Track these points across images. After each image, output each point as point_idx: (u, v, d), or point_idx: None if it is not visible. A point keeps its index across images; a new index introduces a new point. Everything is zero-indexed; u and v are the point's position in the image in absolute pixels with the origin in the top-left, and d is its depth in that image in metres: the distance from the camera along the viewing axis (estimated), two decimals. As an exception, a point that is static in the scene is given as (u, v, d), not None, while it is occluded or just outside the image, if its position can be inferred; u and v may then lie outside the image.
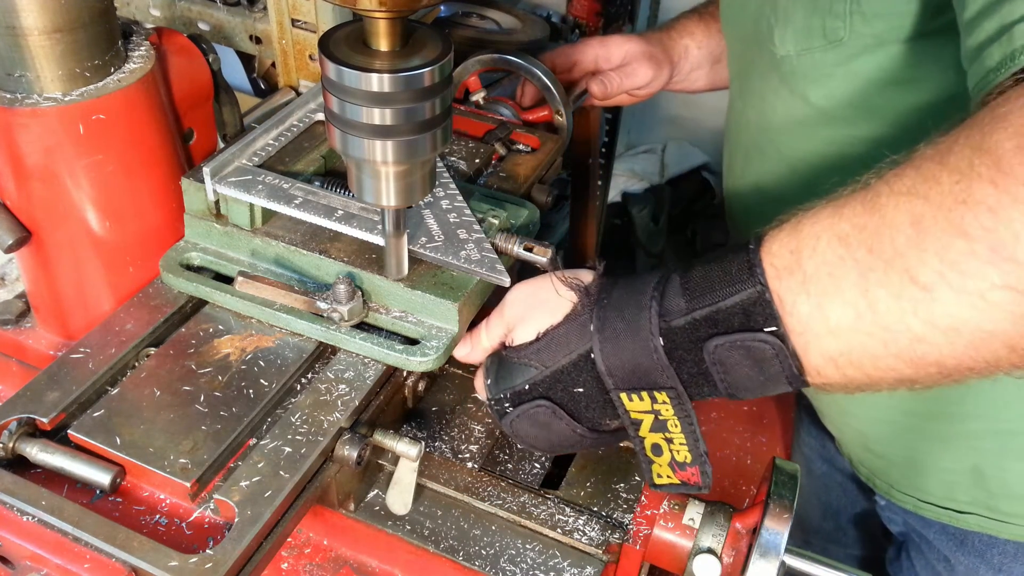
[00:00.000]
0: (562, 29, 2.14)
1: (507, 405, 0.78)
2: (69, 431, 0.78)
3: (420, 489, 0.91)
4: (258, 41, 1.25)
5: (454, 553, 0.86)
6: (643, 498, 0.91)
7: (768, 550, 0.79)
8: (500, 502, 0.90)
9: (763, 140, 1.07)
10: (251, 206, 0.90)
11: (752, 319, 0.65)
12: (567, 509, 0.90)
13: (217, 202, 0.92)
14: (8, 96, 0.84)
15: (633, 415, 0.72)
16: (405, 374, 0.92)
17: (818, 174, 0.99)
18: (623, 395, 0.72)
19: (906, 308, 0.58)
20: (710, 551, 0.84)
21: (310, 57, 1.19)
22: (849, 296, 0.60)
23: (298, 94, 1.22)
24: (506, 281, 0.86)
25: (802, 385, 0.66)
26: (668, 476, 0.75)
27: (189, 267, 0.94)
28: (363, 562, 0.89)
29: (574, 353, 0.74)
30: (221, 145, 1.14)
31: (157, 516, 0.76)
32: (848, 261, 0.60)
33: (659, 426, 0.72)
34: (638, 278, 0.73)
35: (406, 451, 0.83)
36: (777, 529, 0.79)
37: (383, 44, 0.68)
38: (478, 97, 1.28)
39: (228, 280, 0.91)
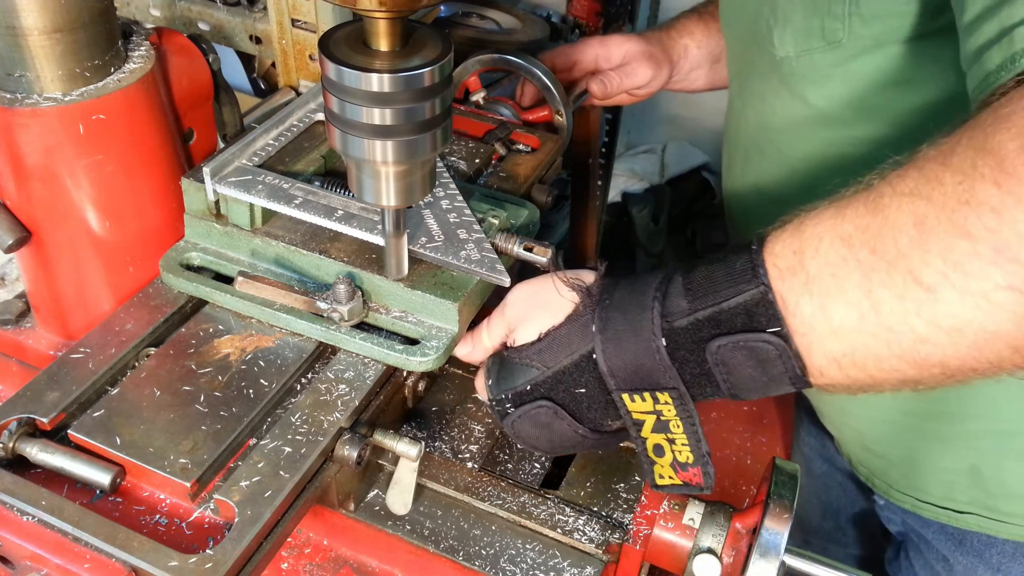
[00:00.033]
0: (562, 29, 2.14)
1: (508, 406, 0.78)
2: (69, 431, 0.78)
3: (420, 489, 0.91)
4: (258, 41, 1.25)
5: (454, 553, 0.86)
6: (643, 498, 0.91)
7: (768, 550, 0.79)
8: (500, 502, 0.90)
9: (763, 140, 1.07)
10: (251, 206, 0.90)
11: (755, 319, 0.65)
12: (567, 509, 0.90)
13: (217, 202, 0.92)
14: (8, 96, 0.84)
15: (635, 416, 0.72)
16: (405, 374, 0.92)
17: (818, 174, 0.99)
18: (625, 396, 0.72)
19: (909, 309, 0.58)
20: (710, 551, 0.84)
21: (310, 57, 1.19)
22: (852, 297, 0.60)
23: (298, 94, 1.22)
24: (506, 281, 0.86)
25: (805, 386, 0.66)
26: (670, 477, 0.74)
27: (189, 267, 0.94)
28: (363, 562, 0.89)
29: (576, 353, 0.74)
30: (221, 145, 1.14)
31: (157, 516, 0.76)
32: (851, 262, 0.60)
33: (661, 427, 0.72)
34: (640, 279, 0.73)
35: (406, 451, 0.83)
36: (777, 529, 0.79)
37: (383, 44, 0.68)
38: (478, 97, 1.28)
39: (228, 280, 0.91)
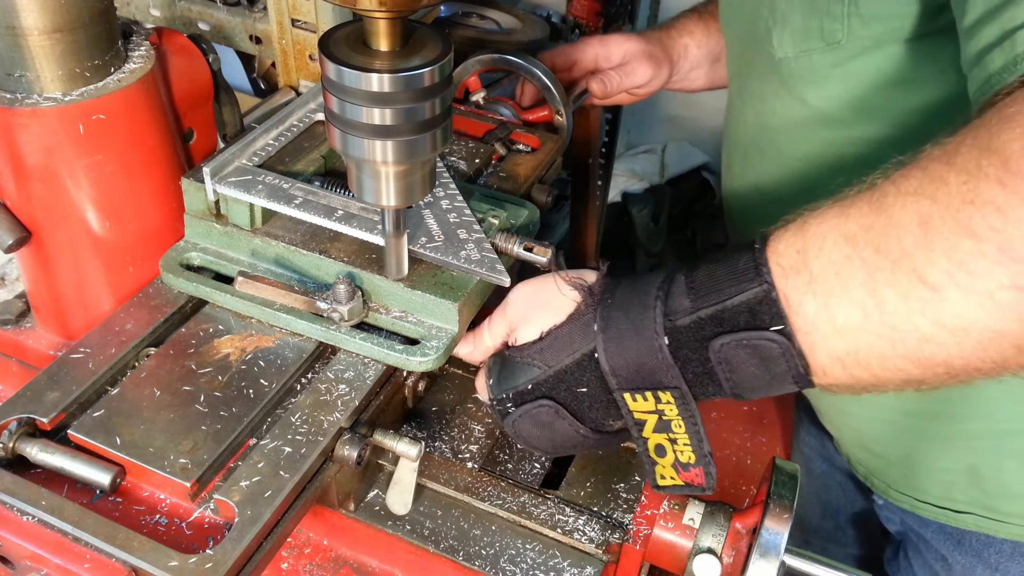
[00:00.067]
0: (562, 29, 2.14)
1: (509, 405, 0.78)
2: (69, 431, 0.78)
3: (420, 489, 0.91)
4: (258, 41, 1.25)
5: (454, 553, 0.86)
6: (643, 498, 0.91)
7: (768, 550, 0.79)
8: (500, 502, 0.90)
9: (762, 140, 1.07)
10: (251, 206, 0.90)
11: (758, 318, 0.65)
12: (567, 509, 0.90)
13: (217, 202, 0.92)
14: (8, 96, 0.84)
15: (636, 415, 0.72)
16: (405, 374, 0.92)
17: (817, 174, 0.99)
18: (627, 395, 0.71)
19: (914, 308, 0.58)
20: (710, 551, 0.84)
21: (310, 57, 1.19)
22: (856, 296, 0.60)
23: (298, 94, 1.22)
24: (506, 281, 0.86)
25: (808, 385, 0.66)
26: (672, 477, 0.74)
27: (189, 267, 0.94)
28: (363, 562, 0.89)
29: (577, 352, 0.74)
30: (221, 145, 1.14)
31: (157, 516, 0.76)
32: (855, 261, 0.60)
33: (663, 427, 0.72)
34: (642, 278, 0.73)
35: (406, 451, 0.83)
36: (777, 529, 0.79)
37: (383, 44, 0.68)
38: (478, 97, 1.28)
39: (228, 280, 0.91)
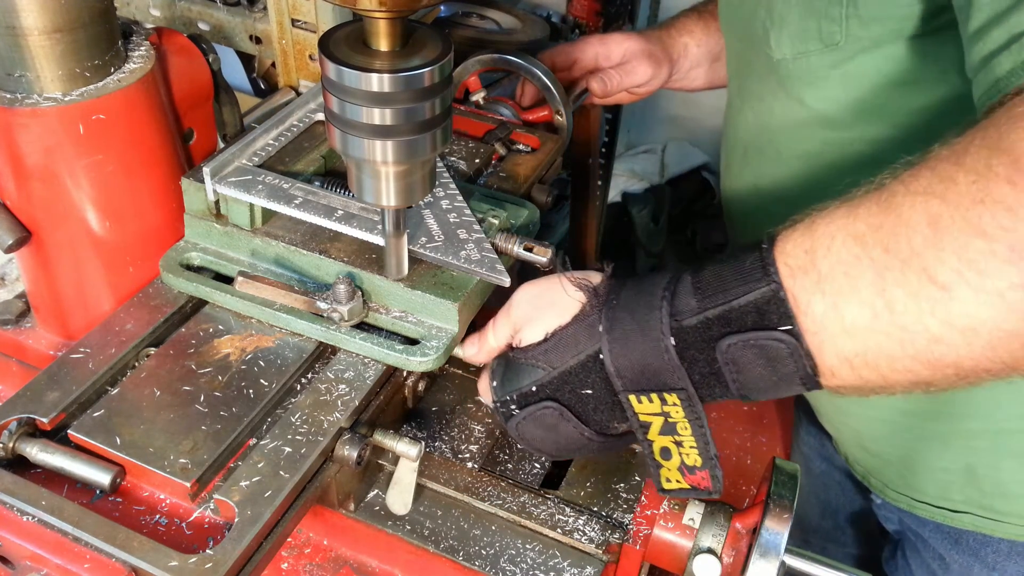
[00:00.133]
0: (562, 29, 2.14)
1: (513, 407, 0.78)
2: (69, 431, 0.78)
3: (420, 489, 0.91)
4: (258, 41, 1.25)
5: (454, 553, 0.86)
6: (643, 498, 0.91)
7: (768, 550, 0.79)
8: (500, 502, 0.90)
9: (762, 140, 1.07)
10: (251, 206, 0.90)
11: (766, 318, 0.64)
12: (567, 509, 0.90)
13: (217, 202, 0.92)
14: (8, 96, 0.84)
15: (642, 417, 0.72)
16: (405, 374, 0.92)
17: (817, 175, 0.99)
18: (632, 397, 0.71)
19: (924, 308, 0.58)
20: (710, 551, 0.84)
21: (310, 57, 1.19)
22: (865, 296, 0.60)
23: (298, 94, 1.22)
24: (506, 281, 0.86)
25: (816, 386, 0.66)
26: (677, 481, 0.74)
27: (189, 267, 0.94)
28: (363, 562, 0.89)
29: (582, 354, 0.73)
30: (221, 145, 1.14)
31: (157, 516, 0.76)
32: (864, 260, 0.60)
33: (669, 429, 0.71)
34: (648, 278, 0.73)
35: (406, 451, 0.83)
36: (777, 529, 0.79)
37: (383, 44, 0.68)
38: (478, 97, 1.28)
39: (228, 280, 0.91)
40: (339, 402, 0.82)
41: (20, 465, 0.76)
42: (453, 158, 1.08)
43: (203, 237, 0.94)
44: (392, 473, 0.86)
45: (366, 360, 0.87)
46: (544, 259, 0.88)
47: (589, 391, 0.74)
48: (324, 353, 0.89)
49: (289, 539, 0.89)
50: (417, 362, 0.84)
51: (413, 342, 0.86)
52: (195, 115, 1.06)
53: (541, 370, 0.76)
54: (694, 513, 0.87)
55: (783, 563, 0.79)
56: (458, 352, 0.87)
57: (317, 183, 0.93)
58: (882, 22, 0.85)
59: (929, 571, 1.19)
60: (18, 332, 1.03)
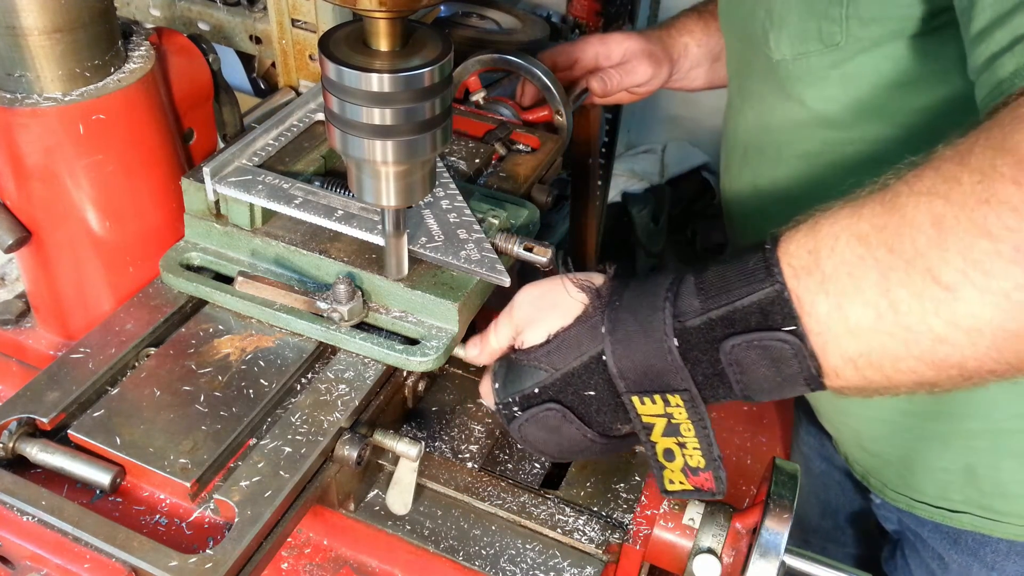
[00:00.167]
0: (562, 29, 2.14)
1: (516, 409, 0.78)
2: (69, 431, 0.78)
3: (420, 489, 0.91)
4: (258, 41, 1.25)
5: (454, 553, 0.86)
6: (643, 498, 0.91)
7: (768, 550, 0.79)
8: (500, 502, 0.90)
9: (762, 139, 1.07)
10: (251, 206, 0.90)
11: (770, 318, 0.64)
12: (567, 509, 0.90)
13: (217, 202, 0.92)
14: (8, 96, 0.84)
15: (645, 419, 0.72)
16: (405, 374, 0.92)
17: (817, 174, 0.99)
18: (635, 398, 0.71)
19: (928, 308, 0.58)
20: (710, 551, 0.84)
21: (310, 57, 1.19)
22: (869, 296, 0.60)
23: (298, 94, 1.22)
24: (506, 281, 0.86)
25: (819, 387, 0.66)
26: (681, 482, 0.74)
27: (189, 267, 0.94)
28: (363, 562, 0.89)
29: (585, 355, 0.73)
30: (221, 145, 1.14)
31: (157, 516, 0.76)
32: (868, 261, 0.60)
33: (672, 430, 0.71)
34: (650, 279, 0.73)
35: (406, 451, 0.83)
36: (777, 529, 0.79)
37: (383, 44, 0.68)
38: (478, 97, 1.28)
39: (228, 280, 0.91)
40: (339, 402, 0.82)
41: (20, 465, 0.76)
42: (453, 158, 1.08)
43: (203, 237, 0.94)
44: (392, 473, 0.86)
45: (366, 360, 0.87)
46: (544, 259, 0.88)
47: (592, 393, 0.73)
48: (324, 353, 0.89)
49: (289, 539, 0.89)
50: (417, 362, 0.84)
51: (413, 342, 0.86)
52: (195, 115, 1.06)
53: (543, 372, 0.76)
54: (694, 513, 0.87)
55: (783, 563, 0.79)
56: (460, 353, 0.87)
57: (317, 183, 0.93)
58: (882, 22, 0.85)
59: (928, 571, 1.19)
60: (18, 332, 1.03)
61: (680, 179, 3.21)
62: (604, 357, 0.72)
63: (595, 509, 0.90)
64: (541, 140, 1.15)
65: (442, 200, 0.93)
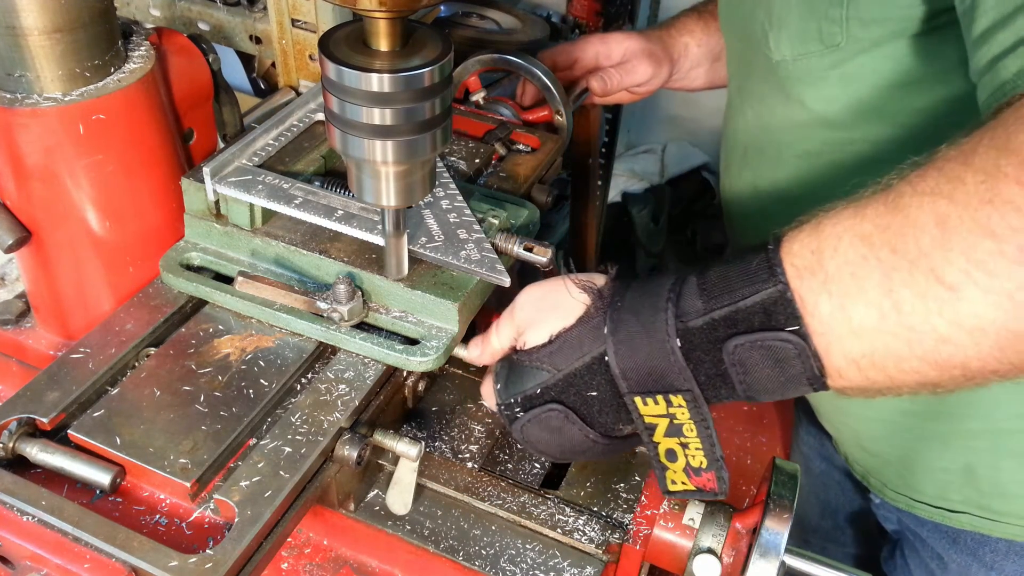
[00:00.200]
0: (562, 29, 2.14)
1: (518, 410, 0.78)
2: (69, 431, 0.78)
3: (420, 489, 0.91)
4: (258, 41, 1.25)
5: (454, 553, 0.86)
6: (643, 498, 0.91)
7: (768, 550, 0.79)
8: (500, 502, 0.90)
9: (762, 140, 1.07)
10: (251, 206, 0.90)
11: (773, 318, 0.64)
12: (567, 509, 0.90)
13: (217, 202, 0.92)
14: (8, 96, 0.84)
15: (647, 419, 0.72)
16: (405, 374, 0.92)
17: (817, 175, 0.99)
18: (637, 399, 0.71)
19: (931, 308, 0.58)
20: (710, 551, 0.84)
21: (310, 57, 1.19)
22: (872, 296, 0.60)
23: (298, 94, 1.22)
24: (506, 281, 0.86)
25: (822, 387, 0.66)
26: (683, 482, 0.74)
27: (189, 267, 0.94)
28: (363, 562, 0.89)
29: (587, 356, 0.73)
30: (221, 145, 1.14)
31: (157, 516, 0.76)
32: (871, 261, 0.60)
33: (674, 431, 0.71)
34: (653, 280, 0.73)
35: (406, 451, 0.83)
36: (777, 529, 0.79)
37: (383, 44, 0.68)
38: (478, 97, 1.28)
39: (228, 280, 0.91)
40: (339, 402, 0.82)
41: (20, 465, 0.76)
42: (453, 158, 1.08)
43: (203, 237, 0.94)
44: (392, 473, 0.86)
45: (366, 360, 0.87)
46: (544, 259, 0.88)
47: (594, 393, 0.73)
48: (324, 353, 0.89)
49: (289, 539, 0.89)
50: (417, 362, 0.84)
51: (413, 342, 0.86)
52: (195, 115, 1.06)
53: (546, 372, 0.76)
54: (694, 513, 0.87)
55: (783, 563, 0.79)
56: (461, 354, 0.87)
57: (317, 183, 0.93)
58: (882, 23, 0.85)
59: (927, 570, 1.19)
60: (18, 332, 1.03)
61: (680, 179, 3.21)
62: (606, 358, 0.72)
63: (595, 509, 0.90)
64: (541, 140, 1.15)
65: (442, 200, 0.93)
